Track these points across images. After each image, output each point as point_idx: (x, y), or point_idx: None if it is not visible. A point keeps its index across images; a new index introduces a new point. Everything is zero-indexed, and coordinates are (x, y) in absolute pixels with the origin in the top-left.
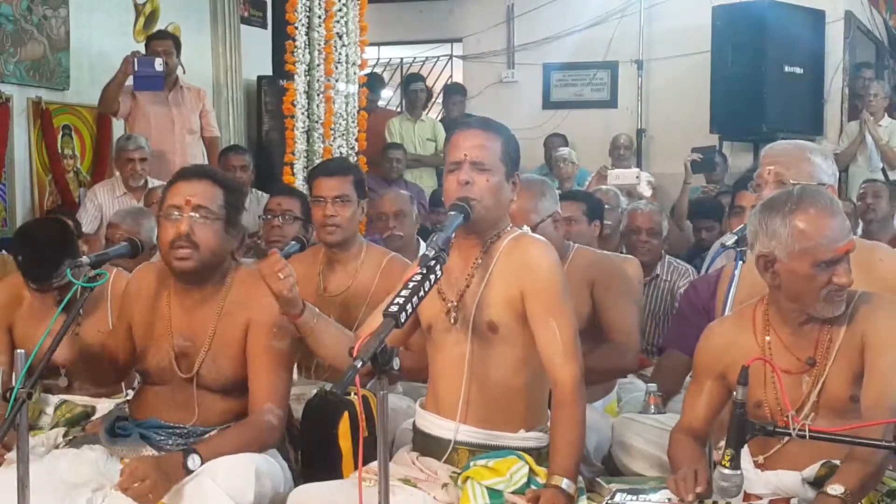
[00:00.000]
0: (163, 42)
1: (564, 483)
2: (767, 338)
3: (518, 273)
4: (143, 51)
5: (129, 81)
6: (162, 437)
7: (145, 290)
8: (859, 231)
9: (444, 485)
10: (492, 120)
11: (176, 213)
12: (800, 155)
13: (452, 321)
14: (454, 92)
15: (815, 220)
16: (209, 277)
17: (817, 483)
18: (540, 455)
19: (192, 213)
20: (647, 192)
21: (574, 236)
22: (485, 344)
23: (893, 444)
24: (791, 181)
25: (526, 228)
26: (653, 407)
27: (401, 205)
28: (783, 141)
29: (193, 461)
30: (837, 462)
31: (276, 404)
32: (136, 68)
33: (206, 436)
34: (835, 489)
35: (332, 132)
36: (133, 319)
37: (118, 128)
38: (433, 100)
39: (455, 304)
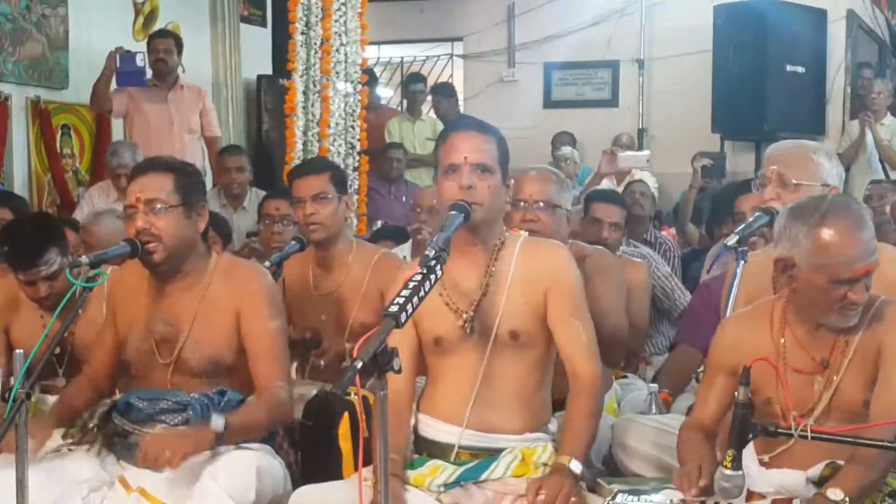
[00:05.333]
0: (163, 41)
1: (573, 463)
2: (783, 336)
3: (541, 276)
4: (144, 50)
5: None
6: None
7: (128, 283)
8: None
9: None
10: (484, 121)
11: (132, 211)
12: (803, 155)
13: (469, 331)
14: (440, 93)
15: (838, 237)
16: (183, 265)
17: (821, 483)
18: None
19: (146, 208)
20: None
21: (614, 241)
22: (503, 351)
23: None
24: (793, 181)
25: (524, 234)
26: (654, 407)
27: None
28: (788, 140)
29: (217, 422)
30: (842, 462)
31: (283, 380)
32: (118, 64)
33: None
34: (835, 493)
35: (331, 131)
36: (117, 310)
37: (117, 127)
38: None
39: (471, 314)
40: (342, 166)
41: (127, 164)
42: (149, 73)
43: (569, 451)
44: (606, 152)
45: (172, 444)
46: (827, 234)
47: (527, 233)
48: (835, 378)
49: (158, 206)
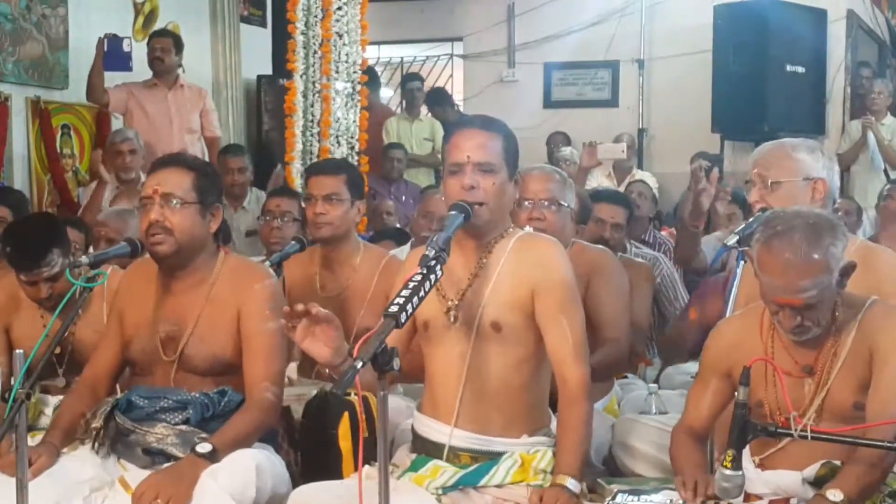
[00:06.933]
0: (161, 40)
1: (570, 482)
2: (771, 340)
3: (530, 271)
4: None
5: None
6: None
7: (135, 283)
8: (860, 231)
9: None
10: (491, 118)
11: (147, 203)
12: (780, 154)
13: (452, 320)
14: (433, 101)
15: (773, 260)
16: (191, 262)
17: (817, 483)
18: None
19: (161, 201)
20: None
21: (616, 241)
22: (486, 343)
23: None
24: (770, 181)
25: (528, 229)
26: (654, 407)
27: None
28: (770, 142)
29: (203, 447)
30: (838, 462)
31: (272, 383)
32: (105, 49)
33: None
34: (834, 494)
35: (331, 131)
36: (123, 312)
37: (117, 127)
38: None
39: (456, 302)
40: None
41: (131, 139)
42: (142, 66)
43: (565, 469)
44: (586, 146)
45: (165, 492)
46: (766, 252)
47: (531, 228)
48: (825, 381)
49: (174, 201)
